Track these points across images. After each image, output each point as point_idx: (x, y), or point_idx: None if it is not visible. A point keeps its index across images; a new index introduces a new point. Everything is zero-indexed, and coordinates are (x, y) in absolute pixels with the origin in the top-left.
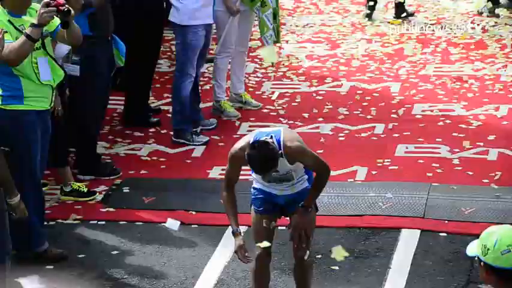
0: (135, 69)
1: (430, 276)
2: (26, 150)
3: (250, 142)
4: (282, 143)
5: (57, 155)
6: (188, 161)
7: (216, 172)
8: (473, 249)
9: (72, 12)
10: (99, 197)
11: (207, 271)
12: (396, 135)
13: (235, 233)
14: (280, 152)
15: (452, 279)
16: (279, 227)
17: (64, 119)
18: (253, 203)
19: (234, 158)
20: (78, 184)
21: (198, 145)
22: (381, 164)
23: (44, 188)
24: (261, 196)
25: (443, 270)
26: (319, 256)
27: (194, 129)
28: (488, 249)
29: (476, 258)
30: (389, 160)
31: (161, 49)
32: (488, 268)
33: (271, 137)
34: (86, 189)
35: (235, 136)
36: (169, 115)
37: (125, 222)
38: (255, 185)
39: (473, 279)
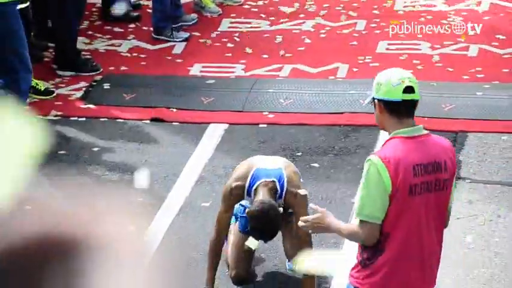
0: None
1: None
2: (17, 36)
3: (254, 201)
4: (285, 189)
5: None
6: (169, 58)
7: (197, 69)
8: (369, 97)
9: None
10: (78, 93)
11: (188, 168)
12: (378, 31)
13: None
14: (281, 193)
15: None
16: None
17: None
18: (238, 221)
19: (228, 197)
20: (37, 81)
21: (178, 41)
22: (362, 61)
23: None
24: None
25: None
26: (299, 154)
27: (174, 26)
28: (381, 85)
29: (371, 103)
30: (370, 57)
31: None
32: (381, 103)
33: (273, 181)
34: (43, 88)
35: (216, 33)
36: (150, 10)
37: (105, 119)
38: (243, 201)
39: None
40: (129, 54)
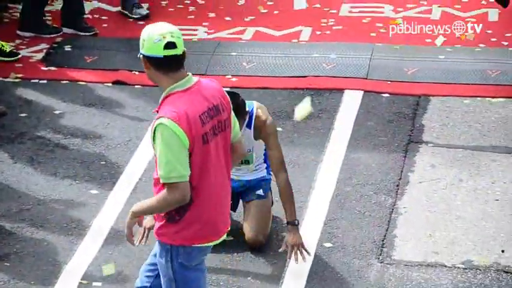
0: None
1: (372, 136)
2: None
3: None
4: (254, 113)
5: None
6: (131, 20)
7: None
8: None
9: None
10: (39, 55)
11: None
12: None
13: None
14: (249, 121)
15: (394, 140)
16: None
17: None
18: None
19: None
20: (2, 43)
21: (136, 17)
22: (325, 24)
23: None
24: None
25: (385, 130)
26: None
27: (137, 2)
28: (144, 40)
29: (140, 57)
30: (333, 20)
31: None
32: (146, 59)
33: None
34: (8, 49)
35: None
36: None
37: (67, 82)
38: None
39: (414, 139)
40: (90, 16)
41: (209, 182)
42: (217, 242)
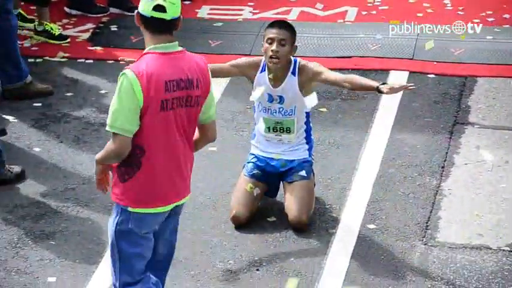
0: None
1: (417, 117)
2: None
3: None
4: (298, 60)
5: None
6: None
7: (204, 11)
8: None
9: None
10: (85, 35)
11: None
12: None
13: None
14: (294, 67)
15: (439, 121)
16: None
17: None
18: (245, 167)
19: (245, 63)
20: (52, 25)
21: None
22: (371, 4)
23: (30, 24)
24: (255, 161)
25: (431, 111)
26: None
27: None
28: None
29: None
30: (379, 0)
31: None
32: (138, 15)
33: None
34: (58, 32)
35: None
36: None
37: (112, 62)
38: (252, 150)
39: (460, 121)
40: None
41: (161, 149)
42: (165, 209)
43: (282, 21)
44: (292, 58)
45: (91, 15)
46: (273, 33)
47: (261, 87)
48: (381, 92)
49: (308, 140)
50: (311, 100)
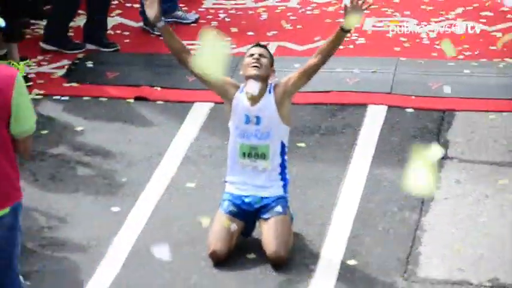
0: None
1: (396, 152)
2: None
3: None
4: (272, 84)
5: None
6: (152, 36)
7: None
8: None
9: None
10: (61, 71)
11: (172, 148)
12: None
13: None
14: (270, 87)
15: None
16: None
17: None
18: (221, 205)
19: (228, 80)
20: (19, 65)
21: (158, 34)
22: (348, 39)
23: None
24: (230, 199)
25: (410, 145)
26: None
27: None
28: None
29: None
30: (357, 34)
31: None
32: None
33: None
34: (23, 72)
35: (200, 9)
36: None
37: (88, 98)
38: (227, 189)
39: None
40: (112, 32)
41: None
42: None
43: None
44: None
45: (66, 51)
46: (254, 50)
47: (256, 84)
48: (346, 29)
49: (283, 177)
50: None
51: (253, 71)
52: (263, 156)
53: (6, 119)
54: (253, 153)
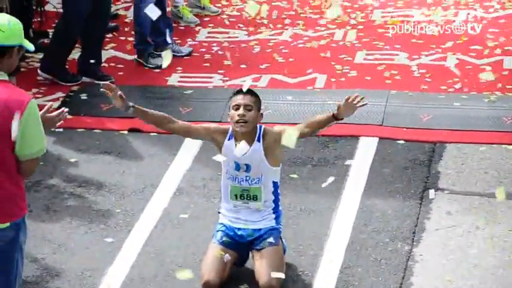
0: None
1: (388, 183)
2: None
3: None
4: (262, 127)
5: None
6: (146, 68)
7: (175, 79)
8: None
9: None
10: (55, 104)
11: (166, 179)
12: (356, 41)
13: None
14: (258, 134)
15: (409, 187)
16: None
17: None
18: (214, 235)
19: (214, 128)
20: None
21: (151, 67)
22: (340, 71)
23: None
24: (224, 229)
25: (401, 177)
26: None
27: (153, 51)
28: None
29: None
30: (348, 67)
31: None
32: None
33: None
34: None
35: (193, 43)
36: (128, 20)
37: (83, 130)
38: (221, 220)
39: (430, 186)
40: (106, 65)
41: None
42: None
43: (247, 88)
44: (258, 125)
45: (63, 83)
46: (238, 99)
47: (245, 146)
48: (338, 117)
49: (276, 210)
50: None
51: (239, 129)
52: (255, 198)
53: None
54: (245, 195)
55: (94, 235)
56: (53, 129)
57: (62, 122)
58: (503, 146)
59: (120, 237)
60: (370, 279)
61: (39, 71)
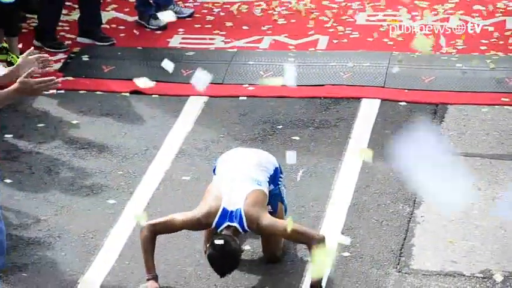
0: None
1: (389, 145)
2: None
3: (212, 239)
4: (244, 223)
5: (12, 24)
6: (147, 30)
7: (176, 41)
8: None
9: None
10: (57, 65)
11: (168, 141)
12: (357, 2)
13: (152, 279)
14: (241, 224)
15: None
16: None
17: None
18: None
19: (193, 224)
20: (14, 56)
21: (153, 28)
22: (342, 33)
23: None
24: None
25: (403, 138)
26: (280, 126)
27: (154, 13)
28: None
29: None
30: (350, 28)
31: None
32: None
33: (235, 227)
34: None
35: (195, 4)
36: None
37: (84, 92)
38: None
39: None
40: (108, 26)
41: None
42: None
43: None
44: (240, 228)
45: (51, 50)
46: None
47: None
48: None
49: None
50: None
51: None
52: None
53: None
54: None
55: (96, 197)
56: (51, 91)
57: (52, 91)
58: (505, 107)
59: (123, 199)
60: (372, 240)
61: (35, 42)
